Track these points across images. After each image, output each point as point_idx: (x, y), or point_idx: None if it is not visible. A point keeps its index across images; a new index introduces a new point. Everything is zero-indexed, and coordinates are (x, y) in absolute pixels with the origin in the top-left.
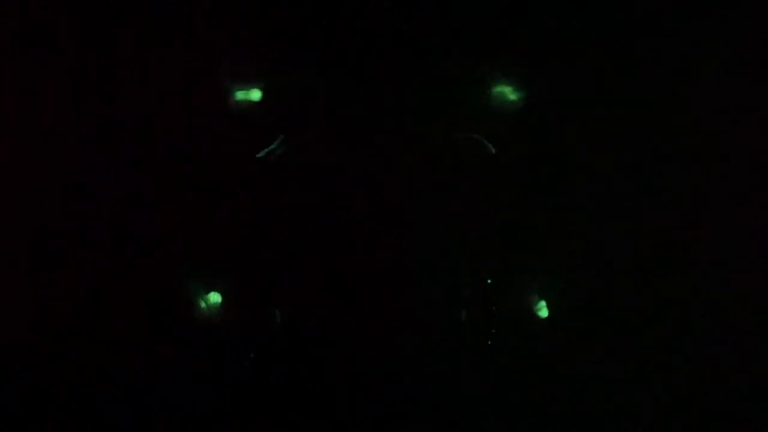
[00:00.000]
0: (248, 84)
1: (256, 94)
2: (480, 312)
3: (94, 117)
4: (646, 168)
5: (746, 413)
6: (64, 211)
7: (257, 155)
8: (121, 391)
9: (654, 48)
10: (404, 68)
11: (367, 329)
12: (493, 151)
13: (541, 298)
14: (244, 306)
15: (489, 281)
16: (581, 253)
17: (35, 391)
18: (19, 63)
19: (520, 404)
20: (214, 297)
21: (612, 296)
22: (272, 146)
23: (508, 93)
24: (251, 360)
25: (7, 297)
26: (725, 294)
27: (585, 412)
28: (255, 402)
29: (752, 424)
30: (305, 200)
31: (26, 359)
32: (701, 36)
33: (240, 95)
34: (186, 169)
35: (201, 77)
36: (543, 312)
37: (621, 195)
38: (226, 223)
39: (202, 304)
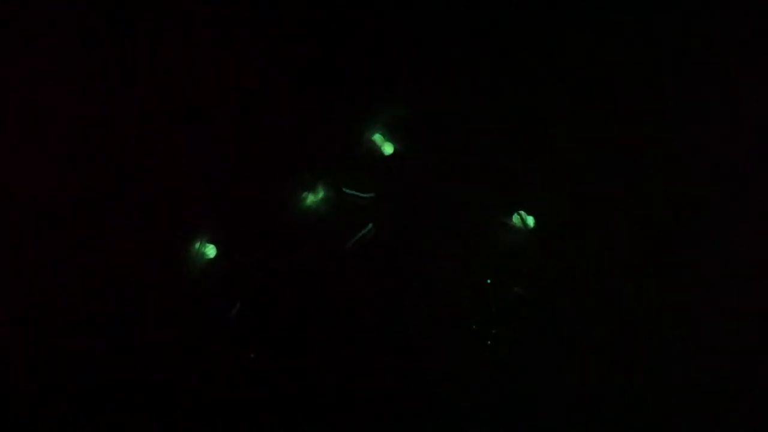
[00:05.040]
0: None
1: (389, 148)
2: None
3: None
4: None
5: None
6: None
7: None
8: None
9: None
10: None
11: (365, 329)
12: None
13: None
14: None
15: (489, 281)
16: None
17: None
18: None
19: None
20: (210, 249)
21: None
22: (361, 233)
23: None
24: (251, 359)
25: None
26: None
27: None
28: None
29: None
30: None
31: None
32: None
33: (377, 138)
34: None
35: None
36: (529, 221)
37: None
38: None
39: (196, 246)
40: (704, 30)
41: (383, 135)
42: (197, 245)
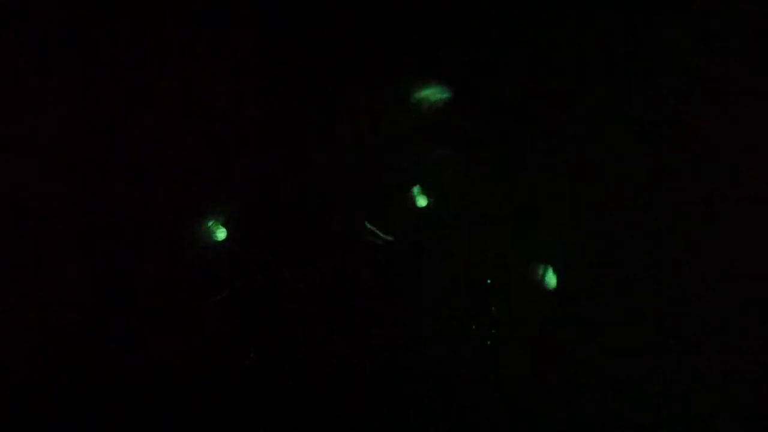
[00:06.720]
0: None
1: (422, 201)
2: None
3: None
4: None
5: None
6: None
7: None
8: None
9: None
10: None
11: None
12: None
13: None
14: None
15: (489, 281)
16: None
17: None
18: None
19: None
20: (221, 231)
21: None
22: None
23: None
24: (251, 360)
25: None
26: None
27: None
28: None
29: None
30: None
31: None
32: None
33: (415, 190)
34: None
35: None
36: (551, 281)
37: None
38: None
39: (209, 223)
40: (705, 34)
41: (420, 188)
42: (210, 223)
